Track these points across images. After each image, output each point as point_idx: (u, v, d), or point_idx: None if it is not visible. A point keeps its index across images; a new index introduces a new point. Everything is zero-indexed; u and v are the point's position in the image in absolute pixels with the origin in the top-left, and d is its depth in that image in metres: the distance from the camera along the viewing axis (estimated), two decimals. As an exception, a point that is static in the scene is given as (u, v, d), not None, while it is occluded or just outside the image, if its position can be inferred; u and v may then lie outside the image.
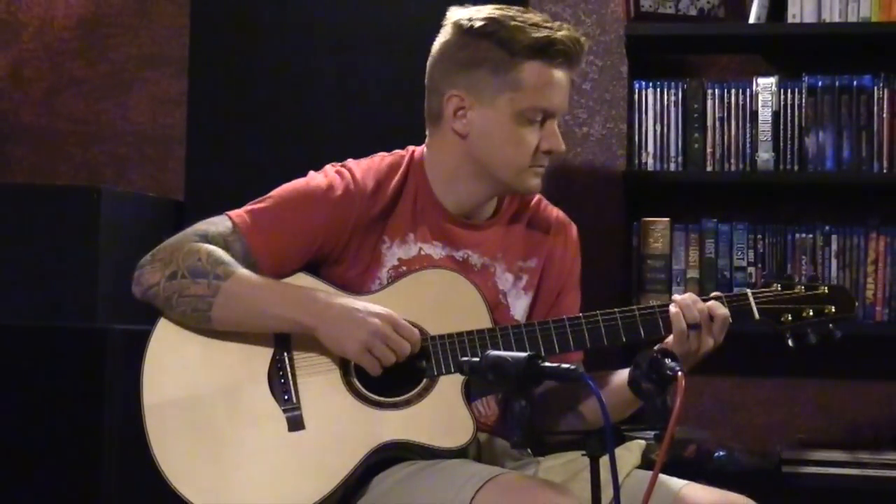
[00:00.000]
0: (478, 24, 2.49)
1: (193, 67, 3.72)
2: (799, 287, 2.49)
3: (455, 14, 2.55)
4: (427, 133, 2.58)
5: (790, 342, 2.47)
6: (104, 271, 3.35)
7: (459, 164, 2.53)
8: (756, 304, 2.47)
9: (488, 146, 2.50)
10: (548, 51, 2.47)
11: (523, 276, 2.61)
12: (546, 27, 2.49)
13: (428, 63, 2.56)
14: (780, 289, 2.49)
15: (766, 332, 2.49)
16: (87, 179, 4.20)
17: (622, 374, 2.41)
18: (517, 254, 2.61)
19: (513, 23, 2.48)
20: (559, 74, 2.49)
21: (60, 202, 3.42)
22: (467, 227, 2.57)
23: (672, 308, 2.43)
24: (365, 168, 2.55)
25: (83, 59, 4.27)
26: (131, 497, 3.20)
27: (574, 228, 2.69)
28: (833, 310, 2.47)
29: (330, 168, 2.57)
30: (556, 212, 2.67)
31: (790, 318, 2.46)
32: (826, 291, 2.48)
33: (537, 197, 2.64)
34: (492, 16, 2.49)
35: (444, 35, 2.55)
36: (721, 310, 2.43)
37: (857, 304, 2.51)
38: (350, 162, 2.58)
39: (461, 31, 2.51)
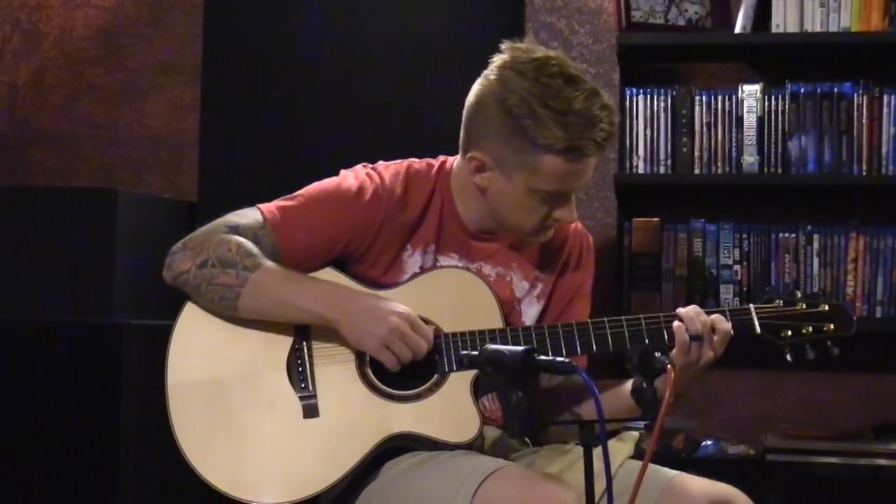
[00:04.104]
0: (511, 100, 2.39)
1: (206, 75, 3.75)
2: (800, 304, 2.48)
3: (500, 65, 2.44)
4: (459, 153, 2.54)
5: (788, 357, 2.47)
6: (121, 269, 3.37)
7: (477, 198, 2.52)
8: (758, 318, 2.47)
9: (502, 206, 2.49)
10: (572, 153, 2.39)
11: (538, 284, 2.60)
12: (580, 122, 2.38)
13: (467, 99, 2.49)
14: (782, 304, 2.48)
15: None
16: (105, 182, 4.22)
17: (626, 384, 2.39)
18: (533, 263, 2.60)
19: (544, 110, 2.37)
20: (582, 166, 2.43)
21: (79, 203, 3.43)
22: (483, 239, 2.57)
23: (675, 322, 2.42)
24: (394, 173, 2.55)
25: (101, 67, 4.31)
26: (148, 490, 3.24)
27: (589, 239, 2.67)
28: (832, 327, 2.47)
29: (361, 169, 2.56)
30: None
31: (790, 333, 2.46)
32: (826, 309, 2.48)
33: None
34: (527, 94, 2.38)
35: (486, 84, 2.45)
36: (724, 324, 2.43)
37: (854, 321, 2.50)
38: (380, 165, 2.58)
39: (495, 99, 2.42)
